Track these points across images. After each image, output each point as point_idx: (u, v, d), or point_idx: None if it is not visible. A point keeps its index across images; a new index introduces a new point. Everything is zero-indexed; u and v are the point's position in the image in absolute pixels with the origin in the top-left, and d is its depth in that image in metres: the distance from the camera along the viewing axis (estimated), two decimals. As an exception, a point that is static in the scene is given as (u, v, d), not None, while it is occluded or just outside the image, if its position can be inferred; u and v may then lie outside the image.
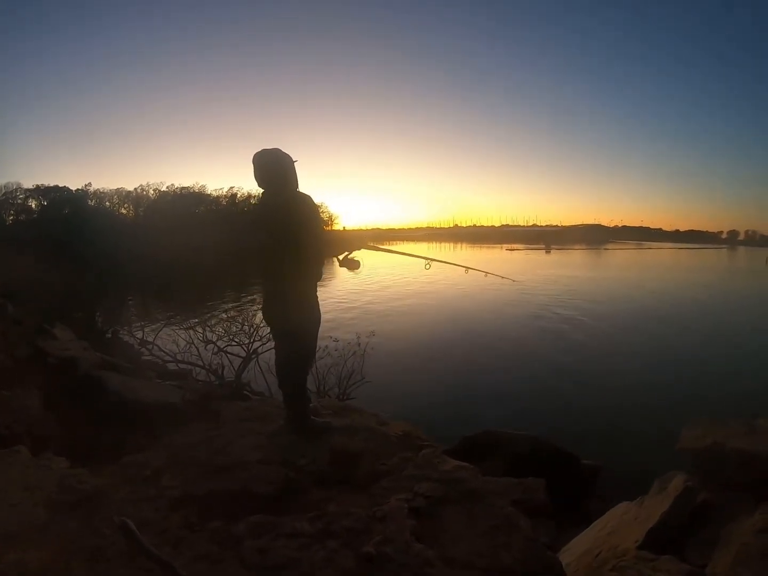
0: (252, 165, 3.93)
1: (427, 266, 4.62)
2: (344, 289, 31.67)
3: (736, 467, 3.88)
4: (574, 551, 4.42)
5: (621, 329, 22.65)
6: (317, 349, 4.55)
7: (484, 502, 3.12)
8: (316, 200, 4.14)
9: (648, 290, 37.61)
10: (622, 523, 4.36)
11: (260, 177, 3.93)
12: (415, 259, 4.71)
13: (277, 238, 3.82)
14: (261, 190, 4.05)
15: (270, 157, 3.90)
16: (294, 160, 3.97)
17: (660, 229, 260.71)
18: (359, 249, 4.24)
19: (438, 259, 4.77)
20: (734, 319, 26.44)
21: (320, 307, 4.19)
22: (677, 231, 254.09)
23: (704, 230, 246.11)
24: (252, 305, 14.10)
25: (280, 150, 3.92)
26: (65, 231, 51.53)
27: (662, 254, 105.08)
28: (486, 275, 5.33)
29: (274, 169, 3.89)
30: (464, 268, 5.09)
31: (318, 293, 4.17)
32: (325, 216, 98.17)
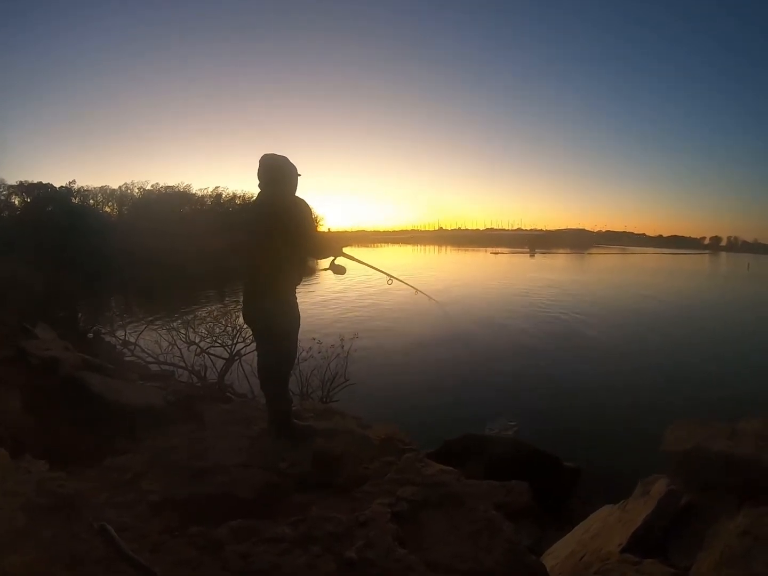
0: (258, 164, 4.02)
1: (389, 282, 5.03)
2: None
3: (718, 470, 3.90)
4: (557, 554, 4.43)
5: (603, 333, 22.76)
6: (298, 350, 4.55)
7: (467, 506, 3.12)
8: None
9: (631, 294, 37.88)
10: (606, 527, 4.37)
11: (262, 177, 4.00)
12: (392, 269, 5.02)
13: (262, 239, 3.84)
14: (253, 191, 4.14)
15: (277, 161, 4.00)
16: (298, 174, 4.09)
17: (644, 234, 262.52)
18: (341, 255, 4.30)
19: (398, 278, 5.12)
20: (716, 323, 26.70)
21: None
22: (660, 236, 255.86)
23: (687, 236, 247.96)
24: (235, 306, 14.04)
25: (288, 159, 4.04)
26: (48, 229, 51.05)
27: (645, 259, 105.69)
28: (416, 293, 5.62)
29: (276, 172, 3.98)
30: (414, 290, 5.58)
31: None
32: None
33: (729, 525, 3.38)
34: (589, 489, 7.59)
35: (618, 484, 5.62)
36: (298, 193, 4.08)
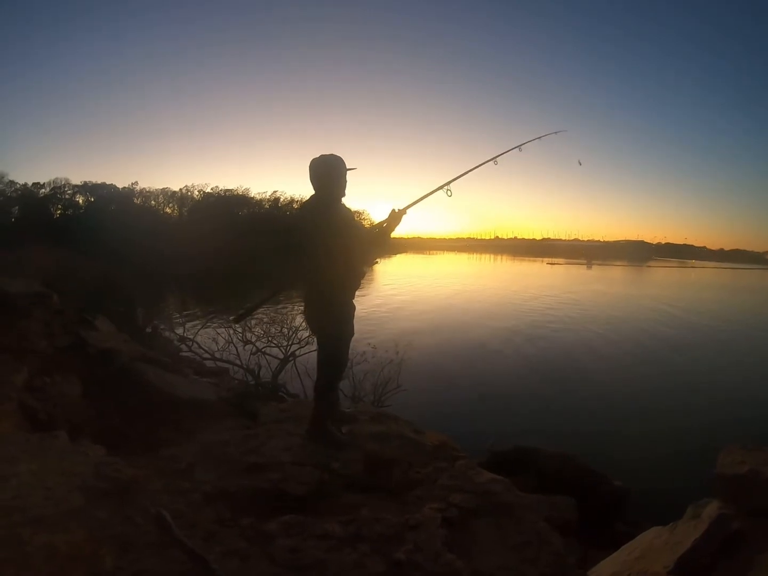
0: (309, 170, 3.99)
1: (449, 194, 4.50)
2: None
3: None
4: (601, 573, 4.37)
5: (658, 350, 22.25)
6: (352, 355, 4.55)
7: (516, 517, 3.11)
8: (358, 207, 4.16)
9: (691, 310, 37.00)
10: (652, 548, 4.29)
11: (313, 182, 4.00)
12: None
13: (316, 246, 3.86)
14: (307, 194, 4.13)
15: (323, 164, 3.96)
16: (350, 167, 4.02)
17: (704, 248, 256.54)
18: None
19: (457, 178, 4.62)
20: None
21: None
22: (722, 250, 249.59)
23: (750, 250, 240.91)
24: (291, 309, 14.14)
25: (335, 157, 3.97)
26: (111, 227, 52.26)
27: (705, 273, 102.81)
28: None
29: (324, 177, 3.96)
30: None
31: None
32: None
33: (779, 553, 3.31)
34: (638, 510, 7.45)
35: (668, 506, 5.50)
36: (350, 186, 4.04)
